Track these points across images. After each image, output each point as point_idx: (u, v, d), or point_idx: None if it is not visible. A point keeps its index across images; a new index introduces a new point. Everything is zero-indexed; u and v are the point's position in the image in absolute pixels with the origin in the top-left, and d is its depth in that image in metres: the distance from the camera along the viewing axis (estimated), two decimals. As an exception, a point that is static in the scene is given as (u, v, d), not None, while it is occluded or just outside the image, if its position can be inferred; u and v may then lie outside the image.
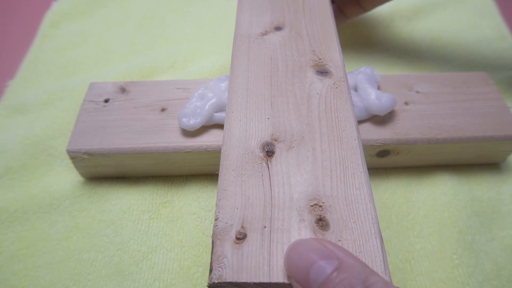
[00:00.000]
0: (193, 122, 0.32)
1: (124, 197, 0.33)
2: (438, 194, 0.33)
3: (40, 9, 0.52)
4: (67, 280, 0.29)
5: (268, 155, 0.23)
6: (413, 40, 0.46)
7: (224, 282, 0.18)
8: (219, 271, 0.18)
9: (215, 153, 0.31)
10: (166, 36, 0.48)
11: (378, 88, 0.35)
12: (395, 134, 0.32)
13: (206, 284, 0.19)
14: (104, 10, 0.52)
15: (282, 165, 0.22)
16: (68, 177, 0.35)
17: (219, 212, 0.20)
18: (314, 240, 0.18)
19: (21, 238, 0.31)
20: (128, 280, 0.29)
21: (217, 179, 0.22)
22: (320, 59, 0.29)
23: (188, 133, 0.32)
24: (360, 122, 0.32)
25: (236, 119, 0.25)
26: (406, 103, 0.34)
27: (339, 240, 0.19)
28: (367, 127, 0.32)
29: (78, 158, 0.32)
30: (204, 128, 0.32)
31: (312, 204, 0.21)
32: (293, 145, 0.23)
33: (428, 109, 0.34)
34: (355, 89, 0.34)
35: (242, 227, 0.20)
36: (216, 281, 0.18)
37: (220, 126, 0.32)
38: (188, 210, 0.32)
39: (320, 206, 0.21)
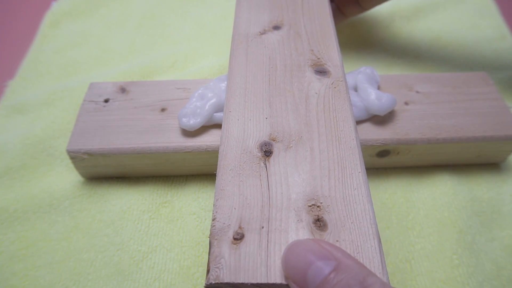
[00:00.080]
0: (193, 122, 0.32)
1: (124, 197, 0.33)
2: (438, 194, 0.33)
3: (40, 9, 0.52)
4: (67, 280, 0.29)
5: (266, 155, 0.23)
6: (413, 40, 0.46)
7: (221, 283, 0.18)
8: (216, 271, 0.18)
9: (215, 153, 0.31)
10: (166, 36, 0.48)
11: (378, 88, 0.35)
12: (395, 134, 0.32)
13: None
14: (104, 10, 0.52)
15: (280, 165, 0.22)
16: (68, 177, 0.35)
17: (216, 212, 0.20)
18: (312, 240, 0.18)
19: (21, 238, 0.31)
20: (128, 280, 0.29)
21: (216, 179, 0.22)
22: (318, 58, 0.29)
23: (188, 133, 0.32)
24: (360, 122, 0.32)
25: (234, 119, 0.25)
26: (406, 103, 0.34)
27: (337, 241, 0.19)
28: (367, 127, 0.32)
29: (78, 158, 0.32)
30: (204, 128, 0.32)
31: (310, 204, 0.21)
32: (291, 145, 0.23)
33: (428, 109, 0.34)
34: (355, 89, 0.34)
35: (240, 227, 0.20)
36: (213, 282, 0.18)
37: (220, 126, 0.32)
38: (188, 210, 0.32)
39: (318, 207, 0.20)
